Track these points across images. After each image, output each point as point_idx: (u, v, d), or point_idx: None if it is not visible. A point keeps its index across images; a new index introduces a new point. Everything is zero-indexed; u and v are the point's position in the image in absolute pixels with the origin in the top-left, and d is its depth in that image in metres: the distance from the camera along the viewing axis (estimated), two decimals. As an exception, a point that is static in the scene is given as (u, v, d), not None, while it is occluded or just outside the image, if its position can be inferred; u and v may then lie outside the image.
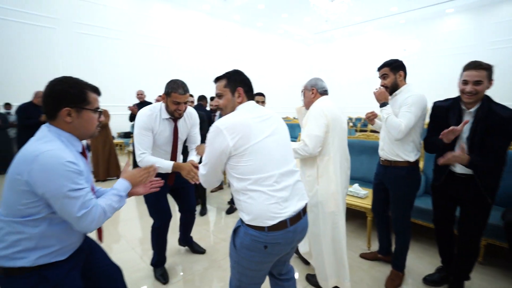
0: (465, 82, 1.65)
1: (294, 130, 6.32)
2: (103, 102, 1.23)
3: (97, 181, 5.17)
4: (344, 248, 1.89)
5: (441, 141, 1.67)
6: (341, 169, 1.85)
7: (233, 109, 1.28)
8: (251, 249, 1.16)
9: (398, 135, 1.81)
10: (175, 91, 1.80)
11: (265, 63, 14.89)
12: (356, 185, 2.88)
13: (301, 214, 1.23)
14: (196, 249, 2.58)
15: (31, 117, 4.14)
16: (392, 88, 1.92)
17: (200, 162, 1.93)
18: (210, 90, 6.27)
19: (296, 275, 1.97)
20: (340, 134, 1.83)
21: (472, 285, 2.04)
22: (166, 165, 1.87)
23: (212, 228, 3.20)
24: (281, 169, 1.19)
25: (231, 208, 3.67)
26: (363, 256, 2.45)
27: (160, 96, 5.40)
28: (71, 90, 1.03)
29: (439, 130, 1.67)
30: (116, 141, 8.24)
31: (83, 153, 1.11)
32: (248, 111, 1.23)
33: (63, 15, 8.74)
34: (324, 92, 1.90)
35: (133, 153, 3.14)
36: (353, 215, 3.40)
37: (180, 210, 2.36)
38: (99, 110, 1.13)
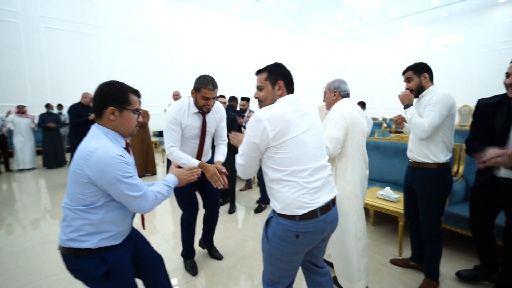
0: (507, 75, 1.55)
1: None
2: (141, 103, 1.35)
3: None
4: (353, 250, 1.85)
5: (483, 147, 1.54)
6: (359, 170, 1.86)
7: (272, 102, 1.31)
8: (283, 239, 1.20)
9: (422, 134, 1.78)
10: (204, 87, 1.86)
11: (295, 63, 14.75)
12: (387, 188, 2.78)
13: (331, 205, 1.26)
14: (214, 254, 2.50)
15: (80, 115, 4.63)
16: (418, 91, 1.92)
17: (224, 164, 2.03)
18: (240, 91, 6.42)
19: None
20: (358, 136, 1.83)
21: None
22: (192, 163, 1.91)
23: (241, 227, 3.28)
24: (316, 163, 1.23)
25: (260, 207, 3.73)
26: (394, 262, 2.36)
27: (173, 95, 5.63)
28: (116, 91, 1.16)
29: (483, 131, 1.58)
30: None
31: (126, 149, 1.25)
32: (288, 105, 1.26)
33: (106, 22, 9.46)
34: (346, 95, 1.92)
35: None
36: (384, 219, 3.29)
37: (204, 207, 2.37)
38: (138, 111, 1.25)
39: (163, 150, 6.57)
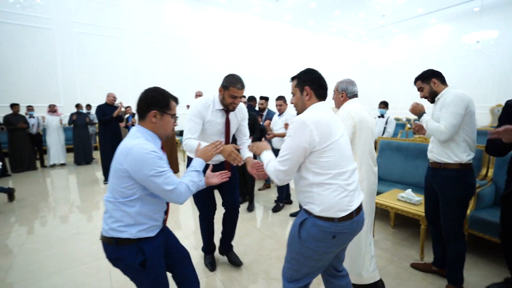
0: None
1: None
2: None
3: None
4: (361, 243, 1.89)
5: (500, 140, 1.52)
6: (367, 167, 1.89)
7: (303, 107, 1.36)
8: (318, 240, 1.24)
9: (442, 136, 1.80)
10: (233, 86, 1.90)
11: (315, 63, 14.60)
12: (409, 191, 2.71)
13: (361, 206, 1.32)
14: (234, 260, 2.39)
15: (105, 114, 5.06)
16: (431, 96, 1.96)
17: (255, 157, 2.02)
18: (259, 91, 6.45)
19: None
20: (366, 135, 1.87)
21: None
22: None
23: (259, 225, 3.33)
24: (351, 166, 1.29)
25: (278, 206, 3.75)
26: (415, 266, 2.30)
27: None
28: (159, 97, 1.29)
29: None
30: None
31: (162, 148, 1.36)
32: (324, 111, 1.31)
33: (130, 26, 9.87)
34: (354, 96, 1.95)
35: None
36: (405, 222, 3.20)
37: (223, 205, 2.33)
38: (176, 116, 1.38)
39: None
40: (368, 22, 13.74)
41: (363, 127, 1.83)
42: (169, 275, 1.44)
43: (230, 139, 2.20)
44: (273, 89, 10.22)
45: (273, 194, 4.46)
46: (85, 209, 3.85)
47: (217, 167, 2.00)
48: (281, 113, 3.79)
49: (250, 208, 3.72)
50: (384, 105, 5.04)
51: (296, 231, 1.30)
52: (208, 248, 2.41)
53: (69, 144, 7.59)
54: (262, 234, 3.04)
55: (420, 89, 2.01)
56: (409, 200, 2.63)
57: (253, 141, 2.48)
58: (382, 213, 3.45)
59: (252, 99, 4.77)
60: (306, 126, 1.20)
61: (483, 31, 10.01)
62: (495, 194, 2.60)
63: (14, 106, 6.23)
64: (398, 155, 3.55)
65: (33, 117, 6.61)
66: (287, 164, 1.26)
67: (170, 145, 5.84)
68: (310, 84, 1.34)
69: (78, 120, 6.92)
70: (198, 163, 1.43)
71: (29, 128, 6.40)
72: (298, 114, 1.37)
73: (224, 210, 2.35)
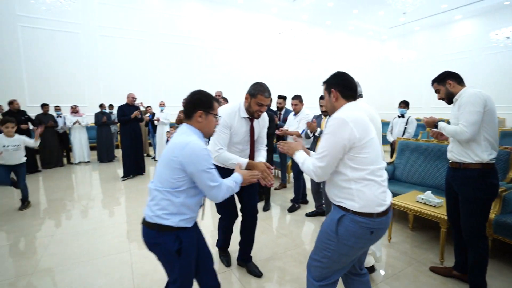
0: None
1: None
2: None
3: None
4: None
5: None
6: None
7: (332, 108, 1.43)
8: (357, 236, 1.27)
9: (463, 136, 1.78)
10: (261, 94, 1.91)
11: (333, 62, 14.40)
12: (428, 193, 2.64)
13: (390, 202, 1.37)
14: (253, 270, 2.29)
15: (125, 114, 5.31)
16: (448, 98, 1.97)
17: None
18: (277, 90, 6.45)
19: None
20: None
21: None
22: (241, 161, 1.91)
23: (274, 224, 3.35)
24: (383, 163, 1.34)
25: (293, 206, 3.76)
26: (434, 270, 2.24)
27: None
28: (204, 98, 1.41)
29: None
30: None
31: None
32: (358, 109, 1.35)
33: (151, 28, 10.18)
34: (360, 96, 1.96)
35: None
36: (424, 225, 3.12)
37: (241, 210, 2.30)
38: (218, 116, 1.49)
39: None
40: (388, 20, 13.37)
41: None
42: None
43: (254, 148, 2.21)
44: (290, 89, 10.20)
45: (289, 193, 4.46)
46: (107, 204, 4.04)
47: (221, 170, 1.92)
48: (296, 112, 3.70)
49: (266, 208, 3.75)
50: (404, 104, 4.90)
51: (334, 229, 1.31)
52: (224, 244, 2.47)
53: (93, 142, 7.95)
54: (278, 233, 3.06)
55: (437, 91, 2.02)
56: (429, 202, 2.56)
57: (268, 137, 2.51)
58: (400, 215, 3.37)
59: (268, 99, 4.80)
60: (346, 124, 1.25)
61: (513, 27, 9.49)
62: (523, 197, 2.48)
63: (44, 106, 6.62)
64: (418, 156, 3.46)
65: (61, 116, 6.99)
66: (325, 160, 1.30)
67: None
68: (335, 86, 1.41)
69: (101, 119, 7.22)
70: (239, 178, 1.51)
71: (58, 126, 6.78)
72: (328, 115, 1.46)
73: (242, 217, 2.31)
